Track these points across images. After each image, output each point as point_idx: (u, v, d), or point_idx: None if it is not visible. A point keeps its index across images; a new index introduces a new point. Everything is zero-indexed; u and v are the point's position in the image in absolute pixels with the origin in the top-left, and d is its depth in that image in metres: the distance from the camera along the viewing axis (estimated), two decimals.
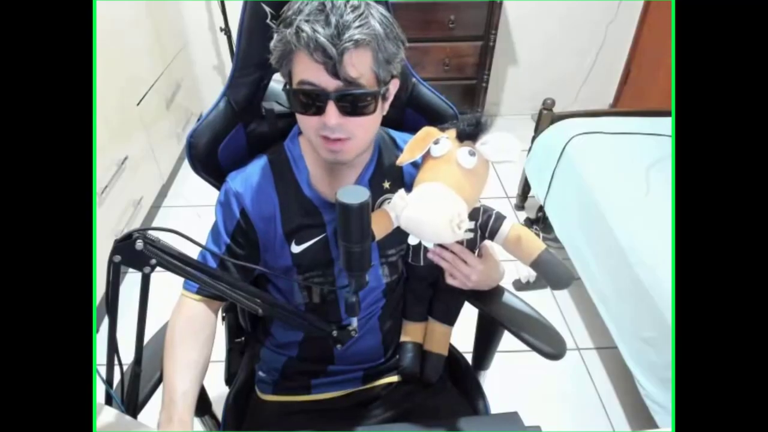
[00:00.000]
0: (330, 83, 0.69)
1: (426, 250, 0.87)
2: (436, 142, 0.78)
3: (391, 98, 0.78)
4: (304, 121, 0.75)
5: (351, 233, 0.66)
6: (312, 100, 0.71)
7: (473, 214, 0.84)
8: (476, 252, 0.87)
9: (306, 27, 0.66)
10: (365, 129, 0.75)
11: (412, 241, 0.79)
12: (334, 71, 0.67)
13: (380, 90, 0.72)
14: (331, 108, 0.70)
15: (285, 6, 0.72)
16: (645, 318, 1.35)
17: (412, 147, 0.79)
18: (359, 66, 0.69)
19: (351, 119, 0.72)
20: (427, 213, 0.73)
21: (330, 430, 0.89)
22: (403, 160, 0.79)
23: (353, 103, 0.71)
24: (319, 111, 0.71)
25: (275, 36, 0.72)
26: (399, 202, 0.75)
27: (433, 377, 0.96)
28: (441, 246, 0.85)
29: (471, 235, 0.85)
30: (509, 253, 0.85)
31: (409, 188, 0.79)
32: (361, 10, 0.68)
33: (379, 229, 0.78)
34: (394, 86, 0.77)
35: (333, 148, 0.75)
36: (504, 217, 0.84)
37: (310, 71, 0.69)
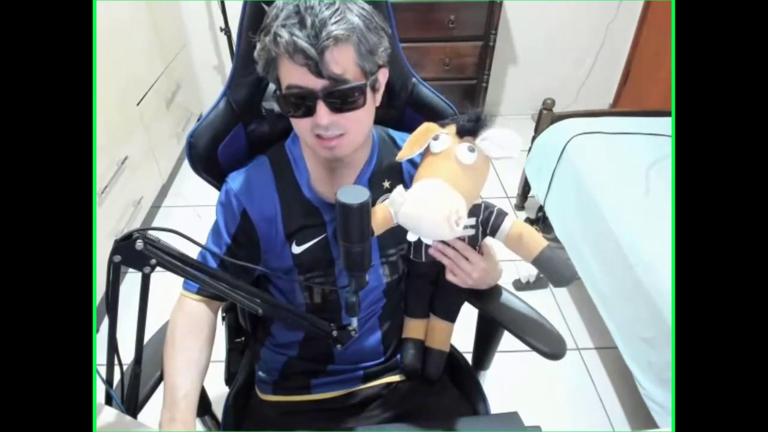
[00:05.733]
0: (316, 83, 0.69)
1: (428, 246, 0.87)
2: (435, 138, 0.78)
3: (382, 89, 0.78)
4: (298, 124, 0.75)
5: (351, 233, 0.66)
6: (301, 103, 0.71)
7: (474, 210, 0.83)
8: (477, 249, 0.87)
9: (283, 32, 0.67)
10: (358, 123, 0.75)
11: (411, 237, 0.79)
12: (318, 71, 0.68)
13: (367, 82, 0.72)
14: (321, 107, 0.70)
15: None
16: (645, 318, 1.35)
17: (411, 142, 0.79)
18: (342, 62, 0.69)
19: (342, 115, 0.72)
20: (425, 209, 0.73)
21: (330, 430, 0.89)
22: (403, 155, 0.79)
23: (342, 99, 0.71)
24: (310, 112, 0.71)
25: (257, 45, 0.72)
26: (397, 198, 0.75)
27: (434, 374, 0.96)
28: (443, 242, 0.85)
29: (471, 231, 0.84)
30: (510, 250, 0.84)
31: (408, 187, 0.79)
32: (336, 7, 0.68)
33: (379, 224, 0.78)
34: (383, 76, 0.78)
35: (329, 146, 0.75)
36: (505, 214, 0.84)
37: (294, 75, 0.69)
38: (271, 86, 0.90)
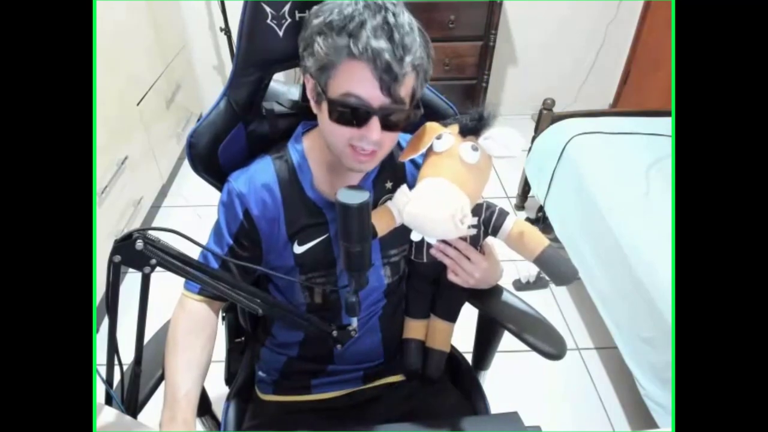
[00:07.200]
0: (378, 99, 0.69)
1: (429, 246, 0.87)
2: (438, 138, 0.78)
3: None
4: (337, 131, 0.73)
5: (351, 233, 0.66)
6: (354, 113, 0.71)
7: (476, 210, 0.84)
8: (479, 248, 0.87)
9: (374, 43, 0.66)
10: (393, 141, 0.77)
11: (415, 237, 0.79)
12: (389, 90, 0.68)
13: (417, 111, 0.74)
14: (375, 123, 0.70)
15: (318, 7, 0.70)
16: (645, 318, 1.35)
17: (414, 142, 0.79)
18: (408, 87, 0.70)
19: (386, 134, 0.72)
20: (430, 208, 0.73)
21: (330, 430, 0.89)
22: (406, 155, 0.80)
23: (393, 119, 0.72)
24: (358, 123, 0.71)
25: (321, 41, 0.69)
26: (401, 197, 0.75)
27: (435, 374, 0.96)
28: (445, 242, 0.85)
29: (474, 231, 0.85)
30: (512, 250, 0.85)
31: (411, 188, 0.79)
32: (415, 33, 0.69)
33: (382, 225, 0.78)
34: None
35: (363, 159, 0.75)
36: (507, 214, 0.84)
37: (361, 85, 0.68)
38: (272, 86, 0.90)
